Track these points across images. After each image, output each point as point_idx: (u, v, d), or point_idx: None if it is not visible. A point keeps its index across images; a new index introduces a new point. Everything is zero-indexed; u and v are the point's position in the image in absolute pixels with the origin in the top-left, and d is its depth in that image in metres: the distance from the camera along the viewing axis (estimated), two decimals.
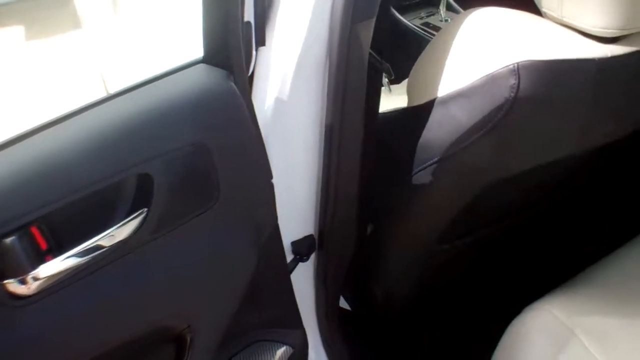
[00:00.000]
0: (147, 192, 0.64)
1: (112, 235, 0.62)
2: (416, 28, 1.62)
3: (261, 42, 0.76)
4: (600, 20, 0.73)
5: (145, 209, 0.64)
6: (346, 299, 1.30)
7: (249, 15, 0.72)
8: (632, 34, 0.78)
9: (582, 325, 0.99)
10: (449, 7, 1.68)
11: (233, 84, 0.69)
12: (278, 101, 0.81)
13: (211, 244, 0.71)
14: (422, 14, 1.73)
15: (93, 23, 2.91)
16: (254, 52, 0.76)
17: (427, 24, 1.65)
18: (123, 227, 0.63)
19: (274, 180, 0.79)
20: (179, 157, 0.66)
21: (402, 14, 1.70)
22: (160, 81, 0.70)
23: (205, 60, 0.72)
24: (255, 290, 0.80)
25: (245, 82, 0.71)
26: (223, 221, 0.71)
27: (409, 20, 1.68)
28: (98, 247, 0.62)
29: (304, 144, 0.86)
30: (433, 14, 1.69)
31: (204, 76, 0.71)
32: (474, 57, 0.77)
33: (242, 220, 0.74)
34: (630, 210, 1.38)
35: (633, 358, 0.95)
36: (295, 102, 0.82)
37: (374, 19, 0.76)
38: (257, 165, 0.75)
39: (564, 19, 0.77)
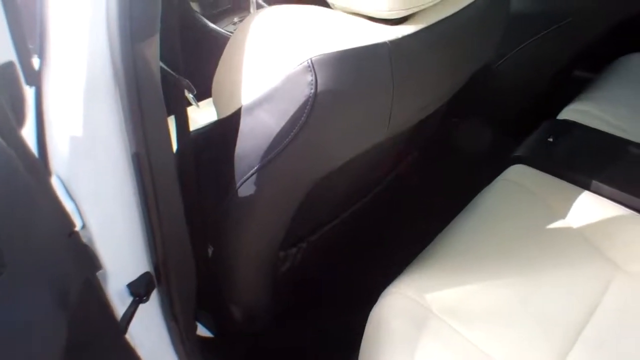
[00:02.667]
0: None
1: None
2: (230, 34, 1.59)
3: (32, 81, 0.69)
4: (384, 3, 0.73)
5: None
6: (207, 326, 1.25)
7: (9, 53, 0.64)
8: (418, 12, 0.79)
9: (437, 301, 1.00)
10: (259, 6, 1.66)
11: None
12: (74, 140, 0.74)
13: (6, 321, 0.63)
14: (235, 19, 1.70)
15: None
16: (26, 94, 0.68)
17: None
18: None
19: (91, 226, 0.73)
20: None
21: (214, 22, 1.66)
22: None
23: None
24: (79, 354, 0.73)
25: (13, 129, 0.63)
26: (17, 292, 0.63)
27: (223, 28, 1.65)
28: None
29: (113, 180, 0.79)
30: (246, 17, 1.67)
31: None
32: (269, 58, 0.75)
33: (42, 284, 0.66)
34: (453, 184, 1.45)
35: (490, 324, 0.98)
36: (93, 137, 0.75)
37: (156, 36, 0.71)
38: (48, 219, 0.67)
39: (351, 8, 0.76)
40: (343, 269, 1.39)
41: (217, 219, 0.96)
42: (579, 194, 1.21)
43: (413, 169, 1.36)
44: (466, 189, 1.28)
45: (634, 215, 1.17)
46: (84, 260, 0.75)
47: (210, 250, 1.05)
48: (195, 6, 1.68)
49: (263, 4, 1.67)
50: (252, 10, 1.64)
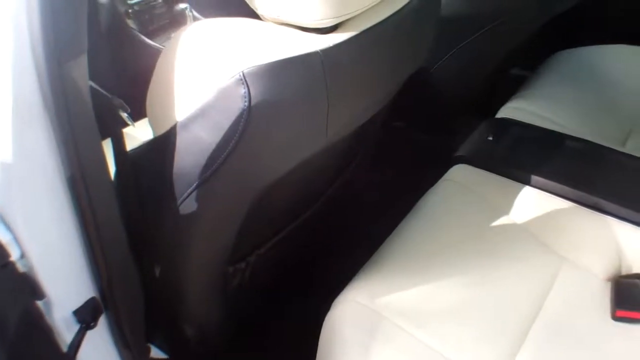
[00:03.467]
0: None
1: None
2: None
3: None
4: (314, 13, 0.73)
5: None
6: (161, 348, 1.22)
7: None
8: (348, 20, 0.80)
9: (388, 305, 1.00)
10: (197, 21, 1.64)
11: None
12: (6, 167, 0.71)
13: None
14: (172, 34, 1.68)
15: None
16: None
17: None
18: None
19: (30, 254, 0.70)
20: None
21: (152, 38, 1.64)
22: None
23: None
24: None
25: None
26: None
27: (161, 44, 1.63)
28: None
29: (50, 205, 0.77)
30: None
31: None
32: (201, 73, 0.74)
33: None
34: (400, 188, 1.46)
35: (442, 324, 0.99)
36: (26, 163, 0.72)
37: (84, 55, 0.70)
38: None
39: (282, 18, 0.76)
40: (295, 279, 1.39)
41: (162, 238, 0.95)
42: (521, 189, 1.24)
43: (358, 174, 1.36)
44: (413, 191, 1.29)
45: (576, 207, 1.20)
46: (22, 290, 0.72)
47: (157, 270, 1.04)
48: (131, 23, 1.66)
49: (200, 17, 1.65)
50: (189, 23, 1.63)
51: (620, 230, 1.15)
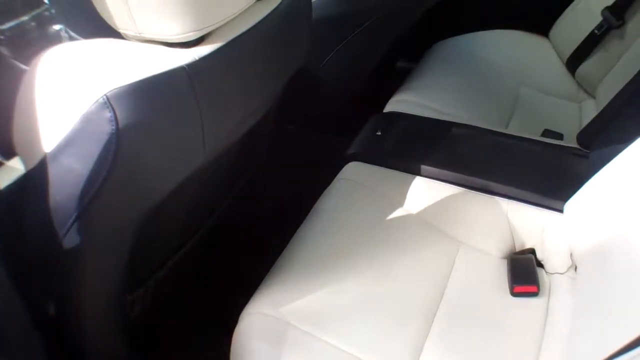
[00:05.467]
0: None
1: None
2: None
3: None
4: (174, 27, 0.71)
5: None
6: None
7: None
8: (214, 31, 0.78)
9: (294, 312, 1.00)
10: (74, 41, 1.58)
11: None
12: None
13: None
14: None
15: None
16: None
17: None
18: None
19: None
20: None
21: (28, 65, 1.56)
22: None
23: None
24: None
25: None
26: None
27: None
28: None
29: None
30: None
31: None
32: (65, 98, 0.71)
33: None
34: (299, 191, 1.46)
35: (348, 322, 0.99)
36: None
37: None
38: None
39: (143, 35, 0.74)
40: (202, 297, 1.36)
41: (50, 274, 0.90)
42: (413, 180, 1.26)
43: (253, 182, 1.35)
44: (311, 194, 1.29)
45: (467, 191, 1.24)
46: None
47: (51, 308, 0.99)
48: (4, 50, 1.58)
49: (78, 37, 1.59)
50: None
51: (510, 209, 1.20)
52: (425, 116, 1.45)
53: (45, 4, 1.54)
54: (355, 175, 1.29)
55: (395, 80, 1.71)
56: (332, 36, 1.49)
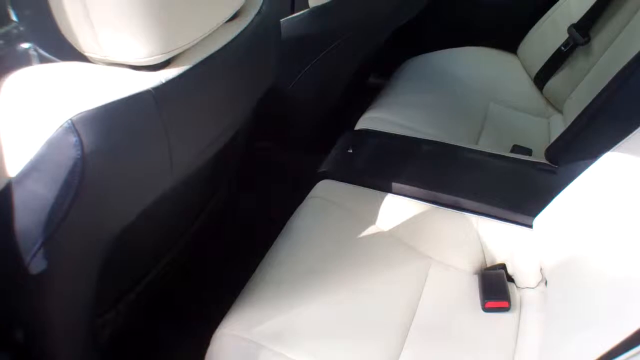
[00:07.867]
0: None
1: None
2: None
3: None
4: (141, 50, 0.71)
5: None
6: None
7: None
8: (182, 54, 0.78)
9: (265, 333, 0.99)
10: (44, 60, 1.57)
11: None
12: None
13: None
14: None
15: None
16: None
17: None
18: None
19: None
20: None
21: None
22: None
23: None
24: None
25: None
26: None
27: None
28: None
29: None
30: None
31: None
32: (30, 123, 0.70)
33: None
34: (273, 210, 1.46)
35: (320, 342, 0.99)
36: None
37: None
38: None
39: (109, 58, 0.73)
40: (173, 318, 1.35)
41: (15, 299, 0.89)
42: (384, 198, 1.27)
43: (226, 202, 1.35)
44: (283, 212, 1.29)
45: (437, 208, 1.25)
46: None
47: (20, 336, 0.97)
48: None
49: (50, 57, 1.57)
50: (33, 63, 1.55)
51: (480, 225, 1.21)
52: (397, 133, 1.46)
53: (14, 21, 1.53)
54: (327, 193, 1.29)
55: (366, 97, 1.72)
56: (302, 55, 1.50)
